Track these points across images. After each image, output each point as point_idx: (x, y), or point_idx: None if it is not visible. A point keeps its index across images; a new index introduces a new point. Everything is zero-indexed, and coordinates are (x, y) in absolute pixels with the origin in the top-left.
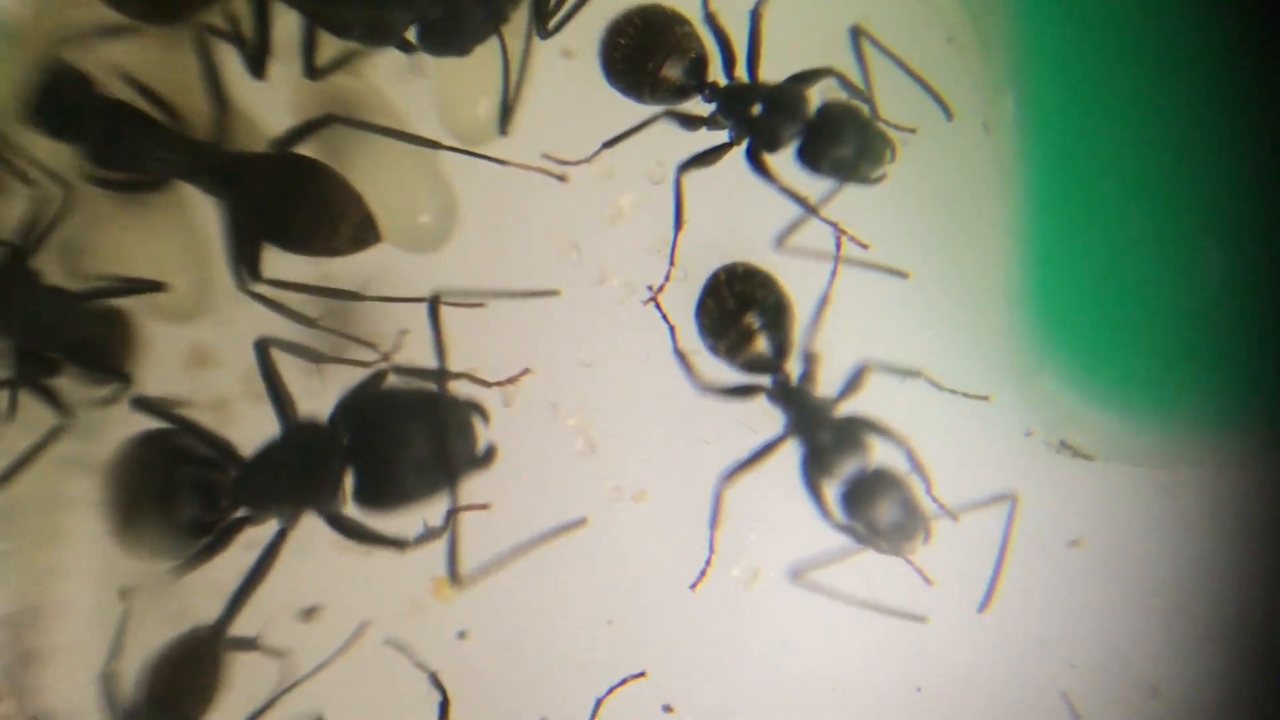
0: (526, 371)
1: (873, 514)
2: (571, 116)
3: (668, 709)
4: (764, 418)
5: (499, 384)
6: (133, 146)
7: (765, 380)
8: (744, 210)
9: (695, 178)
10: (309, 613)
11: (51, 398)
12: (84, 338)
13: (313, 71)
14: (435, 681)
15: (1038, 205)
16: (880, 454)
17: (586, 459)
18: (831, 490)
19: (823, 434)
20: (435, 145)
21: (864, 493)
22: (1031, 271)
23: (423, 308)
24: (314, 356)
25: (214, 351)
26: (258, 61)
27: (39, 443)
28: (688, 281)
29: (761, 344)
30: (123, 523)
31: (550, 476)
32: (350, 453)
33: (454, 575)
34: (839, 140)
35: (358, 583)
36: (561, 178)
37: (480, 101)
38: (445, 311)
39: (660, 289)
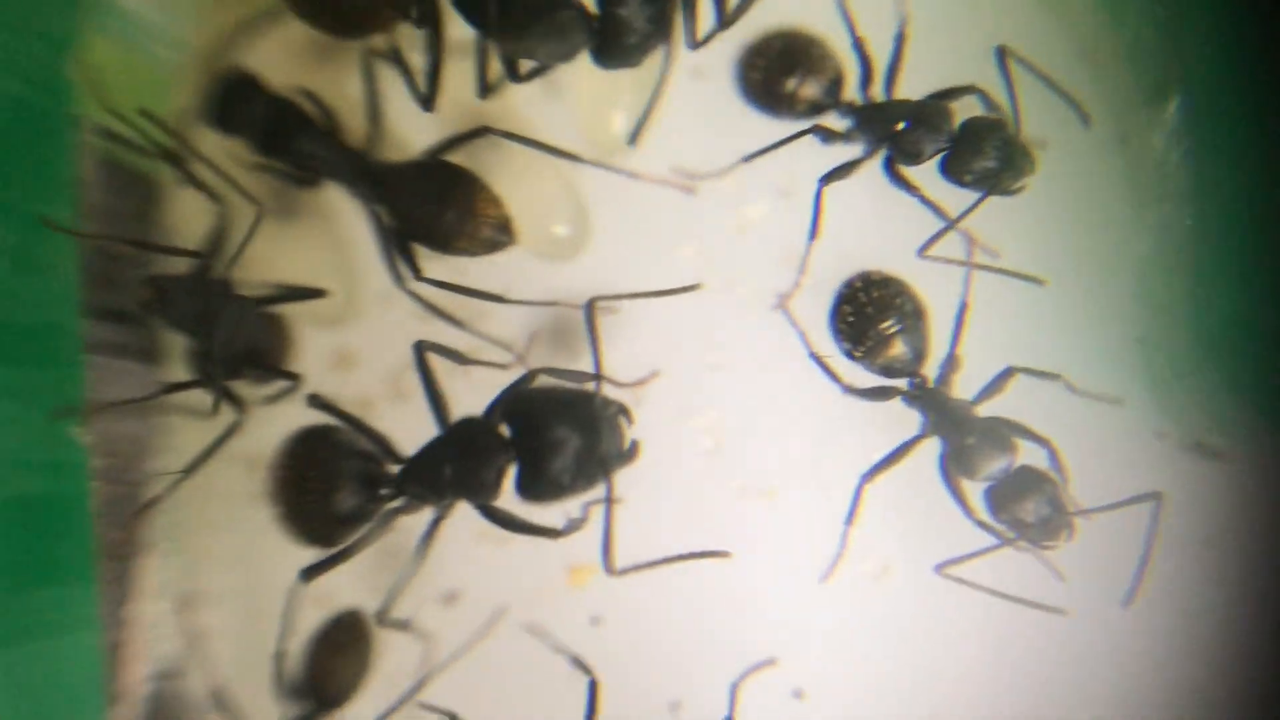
0: (655, 374)
1: (1019, 510)
2: (700, 133)
3: (798, 694)
4: (890, 418)
5: (631, 385)
6: (293, 142)
7: (901, 383)
8: (868, 221)
9: (811, 192)
10: (450, 598)
11: (232, 397)
12: (259, 341)
13: (485, 91)
14: (579, 664)
15: (1194, 214)
16: (1022, 453)
17: (715, 458)
18: (975, 488)
19: (967, 434)
20: (574, 158)
21: (1011, 490)
22: (1182, 280)
23: (549, 313)
24: (460, 359)
25: (357, 354)
26: (429, 97)
27: (221, 437)
28: (811, 289)
29: (899, 348)
30: (287, 511)
31: (680, 474)
32: (515, 447)
33: (608, 564)
34: (983, 153)
35: (495, 571)
36: (690, 190)
37: (613, 118)
38: (580, 316)
39: (789, 296)
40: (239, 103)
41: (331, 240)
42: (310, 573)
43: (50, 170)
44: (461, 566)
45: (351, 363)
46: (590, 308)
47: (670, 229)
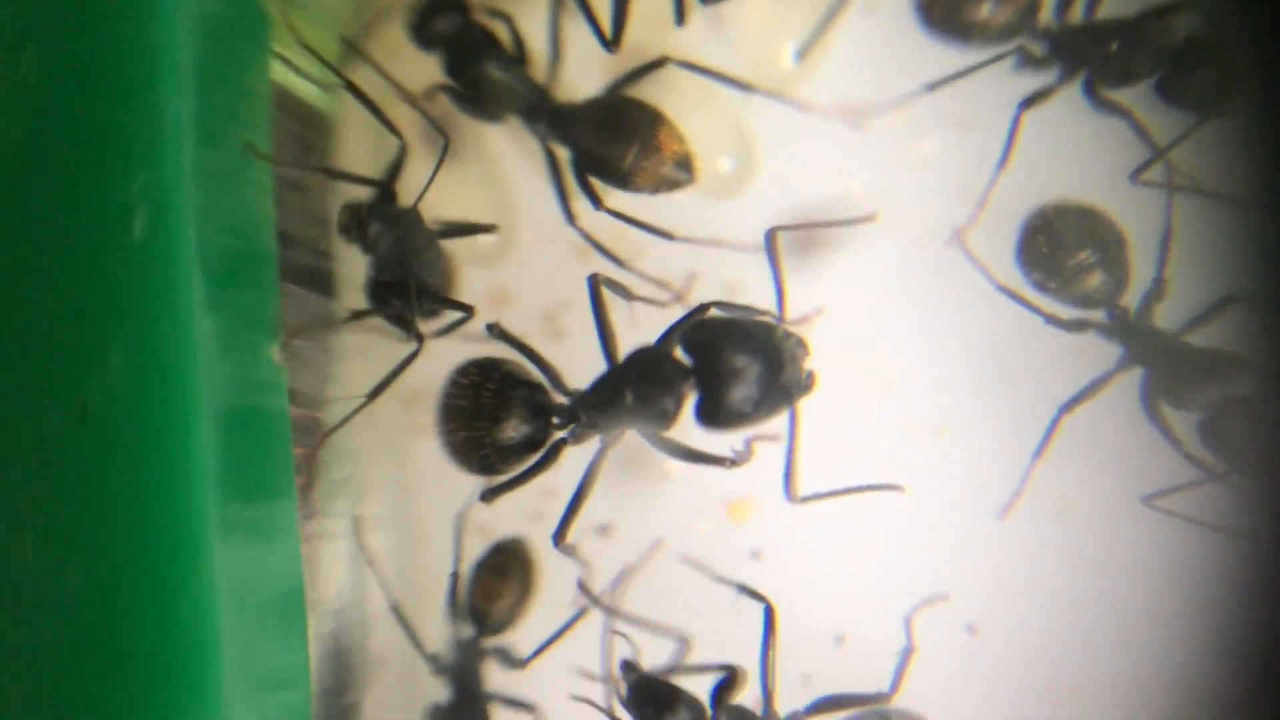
0: (819, 311)
1: (1240, 442)
2: (870, 68)
3: (972, 630)
4: (1066, 352)
5: (795, 323)
6: (484, 68)
7: (1098, 314)
8: (1042, 149)
9: (989, 123)
10: (604, 530)
11: (409, 327)
12: (434, 274)
13: (682, 18)
14: (750, 591)
15: None
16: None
17: (883, 395)
18: (1188, 418)
19: (1180, 364)
20: (751, 89)
21: (1231, 421)
22: None
23: (708, 251)
24: (627, 294)
25: (513, 293)
26: (615, 38)
27: (400, 365)
28: (985, 222)
29: (1098, 279)
30: (457, 439)
31: (847, 412)
32: (697, 377)
33: (790, 490)
34: (1208, 72)
35: (651, 505)
36: (859, 125)
37: (781, 51)
38: (741, 255)
39: (967, 229)
40: (441, 17)
41: (491, 179)
42: (490, 494)
43: (249, 99)
44: (617, 500)
45: (508, 301)
46: (771, 237)
47: (839, 165)
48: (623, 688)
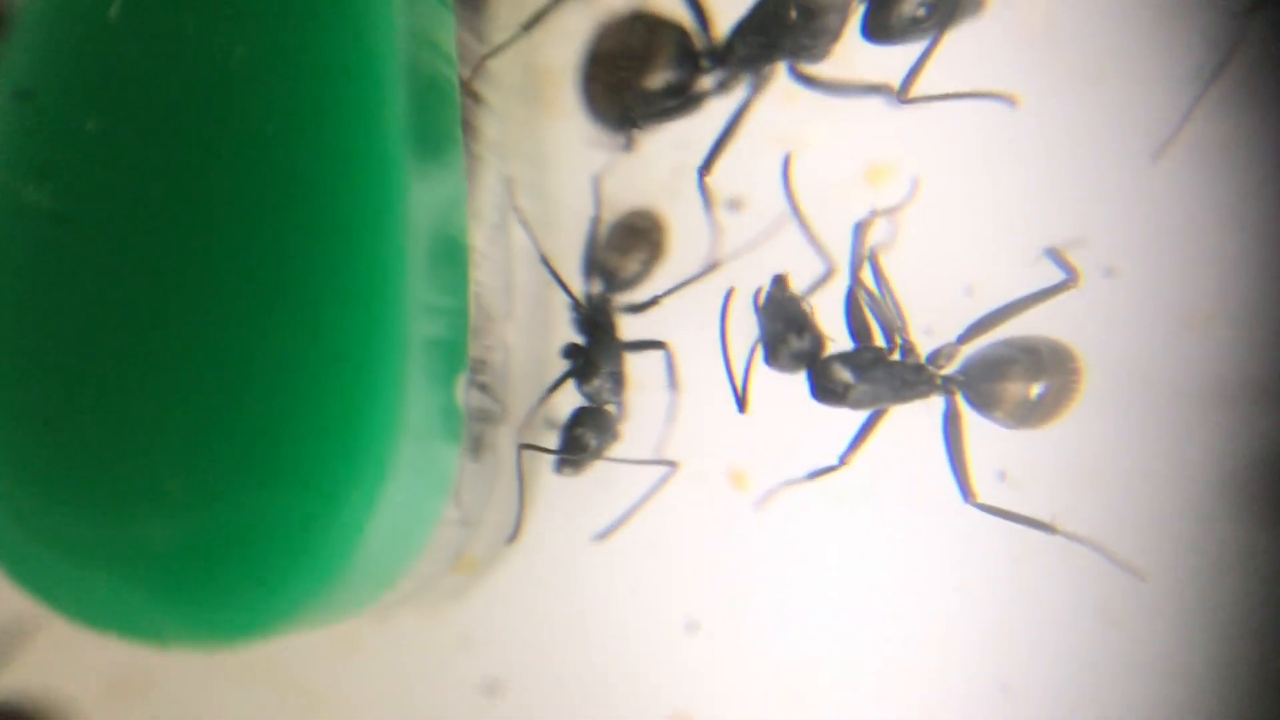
0: None
1: None
2: None
3: (1110, 273)
4: None
5: None
6: None
7: None
8: None
9: None
10: (736, 204)
11: None
12: None
13: None
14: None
15: None
16: None
17: (1040, 41)
18: None
19: None
20: None
21: None
22: None
23: None
24: None
25: None
26: None
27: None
28: None
29: None
30: (601, 86)
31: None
32: None
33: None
34: None
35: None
36: None
37: None
38: None
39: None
40: None
41: None
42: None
43: None
44: (749, 173)
45: None
46: None
47: None
48: (763, 296)
